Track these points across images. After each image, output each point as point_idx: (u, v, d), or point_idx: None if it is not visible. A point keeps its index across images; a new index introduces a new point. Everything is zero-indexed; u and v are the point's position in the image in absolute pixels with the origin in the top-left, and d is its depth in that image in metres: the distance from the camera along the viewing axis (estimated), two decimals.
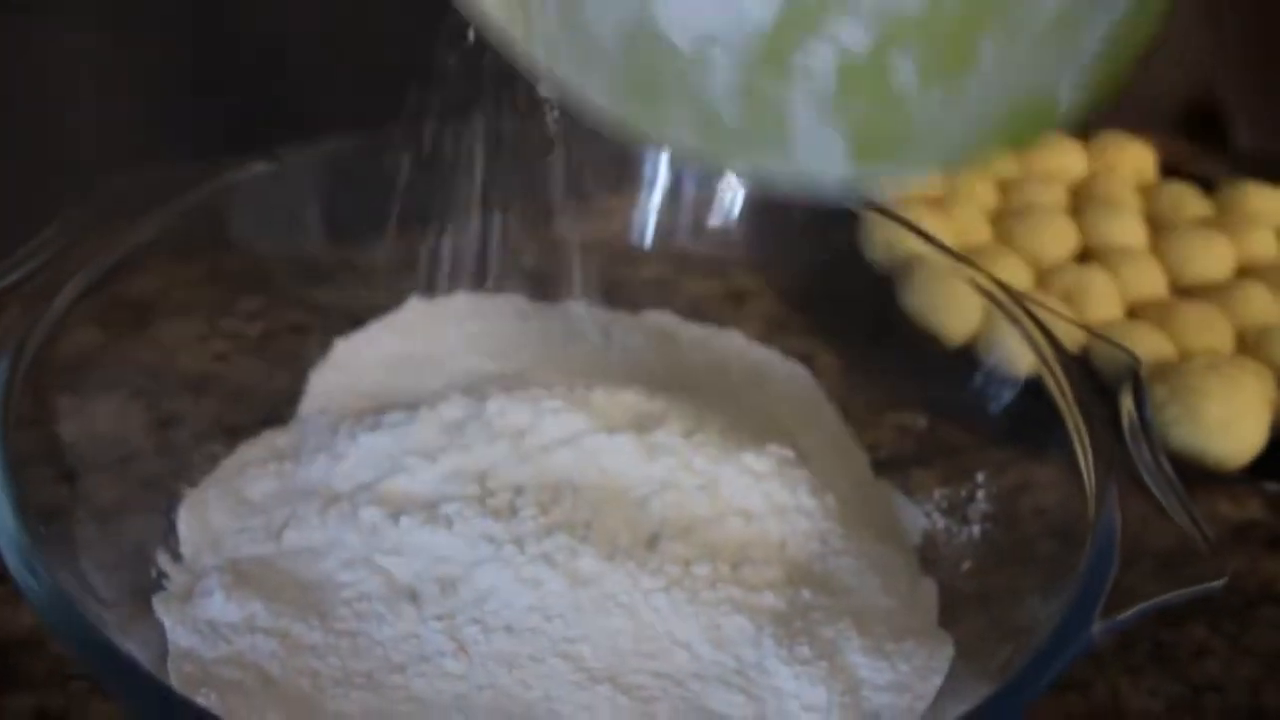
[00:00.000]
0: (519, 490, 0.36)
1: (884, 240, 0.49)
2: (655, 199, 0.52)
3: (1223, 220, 0.67)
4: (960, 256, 0.44)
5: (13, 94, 0.54)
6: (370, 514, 0.36)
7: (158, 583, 0.37)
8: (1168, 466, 0.35)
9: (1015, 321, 0.40)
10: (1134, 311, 0.59)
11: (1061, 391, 0.37)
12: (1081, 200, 0.68)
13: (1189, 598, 0.31)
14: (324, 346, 0.47)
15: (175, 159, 0.54)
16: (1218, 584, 0.31)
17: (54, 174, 0.52)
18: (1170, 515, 0.33)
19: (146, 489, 0.40)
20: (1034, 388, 0.40)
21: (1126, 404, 0.37)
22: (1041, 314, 0.40)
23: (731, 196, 0.52)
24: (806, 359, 0.51)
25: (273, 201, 0.46)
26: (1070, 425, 0.36)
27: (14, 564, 0.30)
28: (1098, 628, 0.29)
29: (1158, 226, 0.67)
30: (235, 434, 0.43)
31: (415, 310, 0.48)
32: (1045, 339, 0.38)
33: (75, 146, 0.55)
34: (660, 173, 0.51)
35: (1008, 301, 0.40)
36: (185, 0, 0.54)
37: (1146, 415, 0.36)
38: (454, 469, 0.37)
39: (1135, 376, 0.38)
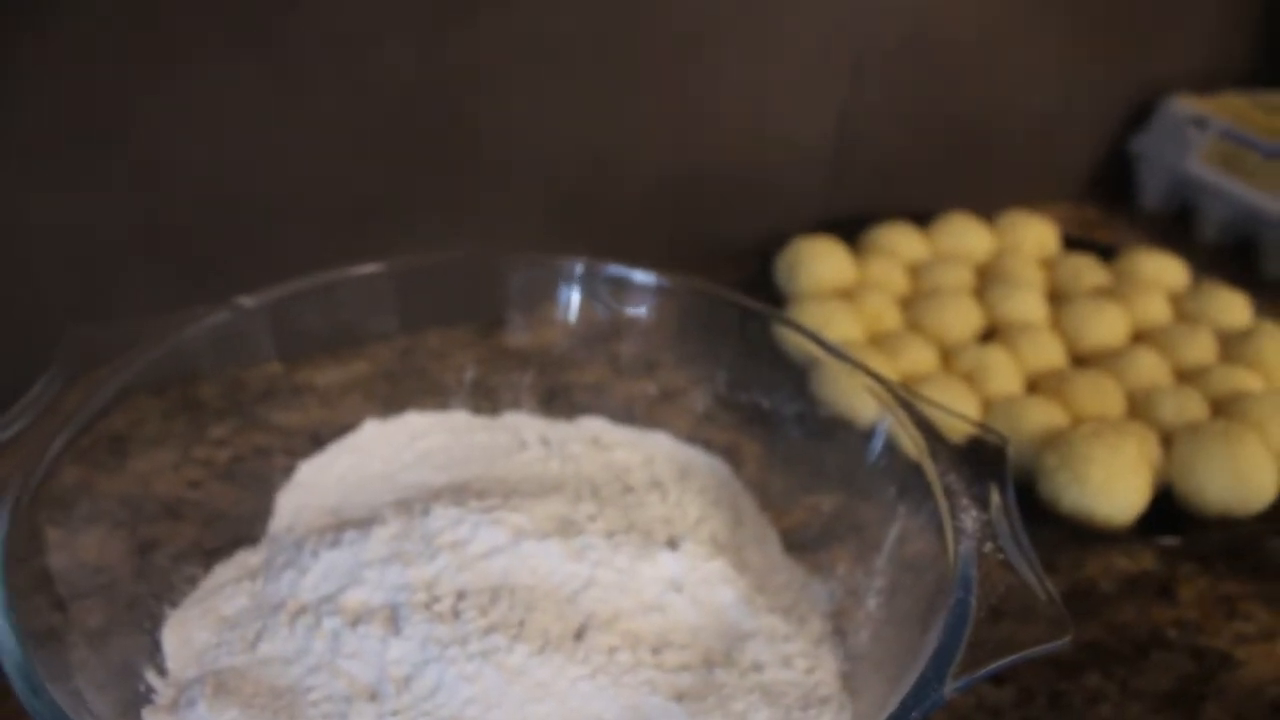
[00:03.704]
0: (461, 595, 0.41)
1: (794, 337, 0.54)
2: (581, 307, 0.57)
3: (1119, 288, 0.73)
4: (850, 359, 0.49)
5: None
6: (332, 623, 0.41)
7: (146, 697, 0.41)
8: (1025, 540, 0.40)
9: (898, 418, 0.45)
10: (1034, 383, 0.65)
11: (930, 476, 0.42)
12: (987, 279, 0.73)
13: (1035, 657, 0.36)
14: (288, 468, 0.52)
15: (133, 307, 0.59)
16: (1060, 644, 0.36)
17: (20, 329, 0.57)
18: (1027, 583, 0.38)
19: (132, 611, 0.44)
20: (920, 469, 0.45)
21: (994, 484, 0.42)
22: (925, 408, 0.46)
23: (658, 302, 0.57)
24: (731, 449, 0.56)
25: (233, 339, 0.50)
26: (940, 506, 0.41)
27: (20, 688, 0.34)
28: (949, 687, 0.34)
29: (1058, 297, 0.72)
30: (212, 555, 0.48)
31: (370, 431, 0.53)
32: (921, 432, 0.44)
33: (39, 300, 0.60)
34: (579, 283, 0.56)
35: (892, 401, 0.46)
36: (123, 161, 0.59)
37: (1008, 495, 0.41)
38: (404, 579, 0.42)
39: (1003, 458, 0.43)
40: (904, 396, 0.46)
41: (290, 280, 0.50)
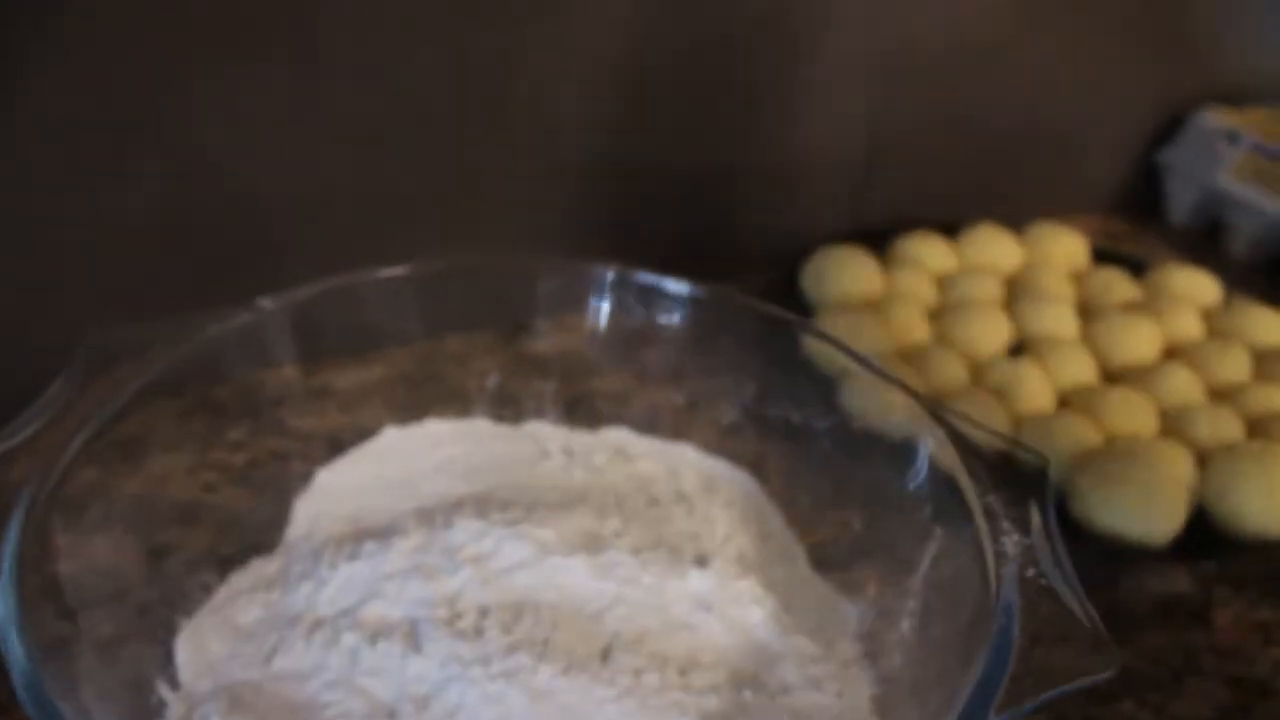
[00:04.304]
0: (484, 611, 0.40)
1: (824, 349, 0.52)
2: (609, 315, 0.56)
3: (1151, 303, 0.72)
4: (885, 373, 0.47)
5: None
6: (350, 639, 0.40)
7: (158, 710, 0.40)
8: (1067, 565, 0.38)
9: (935, 435, 0.44)
10: (1065, 399, 0.63)
11: (969, 497, 0.41)
12: (1016, 291, 0.72)
13: (1079, 690, 0.34)
14: (305, 474, 0.51)
15: (150, 309, 0.58)
16: (1106, 675, 0.35)
17: (37, 330, 0.56)
18: (1069, 610, 0.37)
19: (143, 619, 0.43)
20: (957, 488, 0.44)
21: (1034, 506, 0.41)
22: (960, 424, 0.44)
23: (686, 311, 0.55)
24: (757, 462, 0.54)
25: (252, 341, 0.49)
26: (980, 529, 0.40)
27: (26, 699, 0.33)
28: None
29: (1089, 312, 0.71)
30: (226, 563, 0.47)
31: (390, 438, 0.52)
32: (959, 451, 0.42)
33: (62, 297, 0.59)
34: (610, 291, 0.55)
35: (926, 417, 0.44)
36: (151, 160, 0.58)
37: (1049, 518, 0.40)
38: (425, 593, 0.40)
39: (1043, 479, 0.42)
40: (941, 413, 0.45)
41: (311, 282, 0.49)
